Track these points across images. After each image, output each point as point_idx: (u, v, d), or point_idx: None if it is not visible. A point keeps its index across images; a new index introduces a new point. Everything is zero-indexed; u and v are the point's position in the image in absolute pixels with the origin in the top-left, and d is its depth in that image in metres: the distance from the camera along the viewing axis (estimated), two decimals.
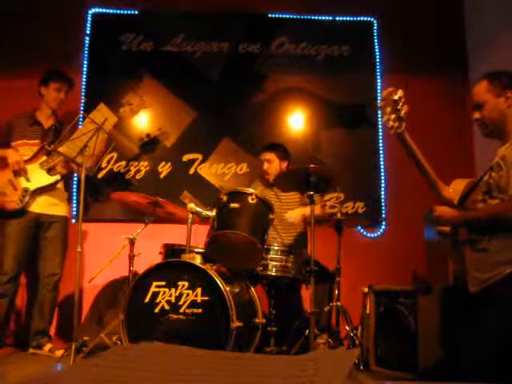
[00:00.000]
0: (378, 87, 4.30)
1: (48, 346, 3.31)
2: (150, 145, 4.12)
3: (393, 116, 2.05)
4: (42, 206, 3.42)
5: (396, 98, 2.04)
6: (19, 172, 3.36)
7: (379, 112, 4.25)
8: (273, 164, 3.55)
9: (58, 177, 3.47)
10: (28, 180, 3.38)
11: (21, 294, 3.65)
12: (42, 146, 3.46)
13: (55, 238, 3.45)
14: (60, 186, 3.54)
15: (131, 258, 3.19)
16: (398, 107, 2.04)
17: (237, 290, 2.86)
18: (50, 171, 3.43)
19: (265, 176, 3.60)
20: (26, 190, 3.35)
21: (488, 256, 2.00)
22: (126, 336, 2.66)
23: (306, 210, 3.28)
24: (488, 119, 2.16)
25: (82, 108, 4.03)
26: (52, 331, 3.53)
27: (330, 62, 4.32)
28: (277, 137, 4.09)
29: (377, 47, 4.37)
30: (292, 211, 3.41)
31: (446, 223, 2.22)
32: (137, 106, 3.75)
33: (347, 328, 3.06)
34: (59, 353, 3.16)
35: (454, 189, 2.30)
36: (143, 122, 4.18)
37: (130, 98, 4.08)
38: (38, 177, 3.41)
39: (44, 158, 3.44)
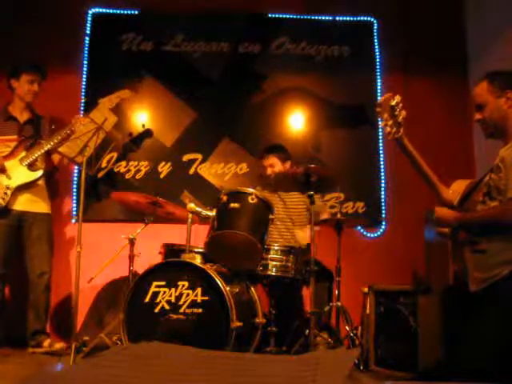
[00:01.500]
0: (378, 87, 4.30)
1: (47, 342, 3.30)
2: (135, 143, 4.10)
3: (390, 122, 2.06)
4: (24, 203, 3.34)
5: (393, 103, 2.04)
6: None
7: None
8: (276, 168, 3.53)
9: (40, 172, 3.38)
10: (8, 177, 3.29)
11: (17, 294, 3.64)
12: (19, 141, 3.37)
13: (40, 237, 3.38)
14: (41, 182, 3.45)
15: (131, 258, 3.19)
16: (396, 113, 2.04)
17: (237, 290, 2.86)
18: (30, 167, 3.34)
19: (269, 181, 3.55)
20: (8, 188, 3.27)
21: (487, 257, 2.01)
22: (126, 336, 2.66)
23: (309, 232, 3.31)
24: (489, 120, 2.16)
25: (82, 108, 4.03)
26: (51, 331, 3.53)
27: (329, 62, 4.32)
28: (277, 137, 4.09)
29: (377, 47, 4.36)
30: (301, 231, 3.40)
31: (446, 225, 2.22)
32: (116, 95, 3.57)
33: (347, 328, 3.06)
34: (58, 345, 3.16)
35: (454, 190, 2.30)
36: (140, 119, 4.17)
37: (131, 128, 4.09)
38: (19, 173, 3.31)
39: (23, 153, 3.35)
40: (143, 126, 4.11)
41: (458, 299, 2.22)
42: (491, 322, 1.98)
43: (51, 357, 3.16)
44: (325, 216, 3.50)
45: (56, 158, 3.56)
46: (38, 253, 3.37)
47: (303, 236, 3.35)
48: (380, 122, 2.11)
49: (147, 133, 4.13)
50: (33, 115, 3.54)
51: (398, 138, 2.10)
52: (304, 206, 3.51)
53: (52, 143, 3.32)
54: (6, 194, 3.26)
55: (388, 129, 2.06)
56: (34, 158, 3.33)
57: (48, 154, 3.47)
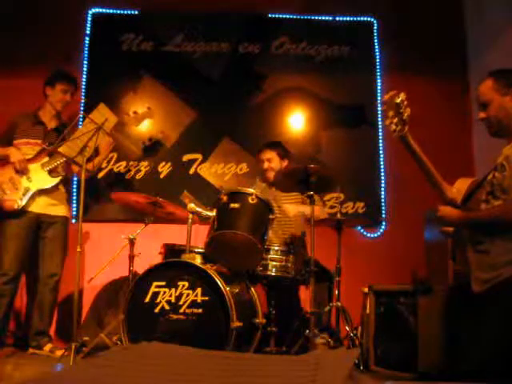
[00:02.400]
0: (378, 87, 4.30)
1: (48, 347, 3.30)
2: (152, 148, 4.12)
3: (395, 119, 2.05)
4: (42, 206, 3.39)
5: (398, 101, 2.04)
6: (21, 171, 3.34)
7: (379, 112, 4.26)
8: (273, 163, 3.52)
9: (59, 179, 3.44)
10: (29, 180, 3.36)
11: (20, 294, 3.65)
12: (43, 146, 3.43)
13: (55, 238, 3.42)
14: (61, 186, 3.52)
15: (131, 258, 3.19)
16: (401, 110, 2.04)
17: (237, 290, 2.86)
18: (51, 173, 3.41)
19: (266, 175, 3.57)
20: (27, 190, 3.33)
21: (490, 257, 2.00)
22: (126, 336, 2.66)
23: (305, 208, 3.29)
24: (494, 118, 2.14)
25: (82, 108, 4.03)
26: (52, 331, 3.52)
27: (329, 62, 4.32)
28: (277, 137, 4.08)
29: (377, 47, 4.37)
30: (290, 206, 3.40)
31: (449, 224, 2.22)
32: (142, 115, 3.76)
33: (347, 328, 3.05)
34: (59, 353, 3.16)
35: (458, 188, 2.30)
36: (145, 124, 4.18)
37: (137, 107, 4.10)
38: (39, 177, 3.38)
39: (46, 158, 3.42)
40: (162, 132, 4.13)
41: (459, 299, 2.22)
42: (494, 323, 1.97)
43: (51, 357, 3.17)
44: (322, 217, 3.50)
45: (75, 167, 3.58)
46: (51, 254, 3.40)
47: (292, 208, 3.34)
48: (384, 120, 2.11)
49: (160, 143, 4.15)
50: (60, 124, 3.59)
51: (403, 135, 2.10)
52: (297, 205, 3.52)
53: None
54: (24, 195, 3.31)
55: (393, 126, 2.06)
56: (55, 164, 3.40)
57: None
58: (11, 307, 3.38)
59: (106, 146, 3.54)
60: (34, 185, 3.36)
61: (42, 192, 3.39)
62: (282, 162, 3.55)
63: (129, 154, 4.13)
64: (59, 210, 3.48)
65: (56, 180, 3.43)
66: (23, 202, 3.31)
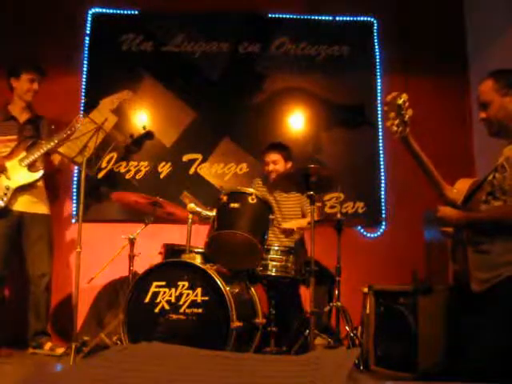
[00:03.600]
0: (378, 87, 4.30)
1: (48, 345, 3.29)
2: (136, 144, 4.10)
3: (397, 120, 2.06)
4: (24, 204, 3.32)
5: (400, 102, 2.04)
6: None
7: (379, 112, 4.26)
8: (278, 165, 3.52)
9: (40, 173, 3.36)
10: (8, 178, 3.27)
11: (17, 295, 3.64)
12: (19, 141, 3.36)
13: (41, 238, 3.37)
14: (40, 183, 3.43)
15: (131, 258, 3.19)
16: (403, 111, 2.04)
17: (237, 290, 2.86)
18: (30, 167, 3.32)
19: (270, 177, 3.56)
20: (7, 188, 3.24)
21: (490, 258, 2.00)
22: (126, 336, 2.66)
23: (302, 222, 3.35)
24: (494, 119, 2.15)
25: (82, 108, 4.03)
26: (51, 332, 3.52)
27: (329, 62, 4.32)
28: (277, 137, 4.09)
29: (377, 47, 4.36)
30: (289, 222, 3.41)
31: (449, 224, 2.22)
32: (117, 97, 3.57)
33: (347, 328, 3.05)
34: (60, 350, 3.15)
35: (458, 189, 2.30)
36: (141, 119, 4.17)
37: (133, 130, 4.12)
38: (19, 174, 3.29)
39: (23, 153, 3.33)
40: (144, 128, 4.11)
41: (459, 299, 2.22)
42: (493, 323, 1.97)
43: (51, 357, 3.16)
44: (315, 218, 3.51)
45: (56, 158, 3.55)
46: (38, 254, 3.36)
47: (292, 224, 3.35)
48: (386, 121, 2.11)
49: (148, 135, 4.13)
50: (32, 115, 3.52)
51: (404, 136, 2.10)
52: (299, 209, 3.52)
53: (52, 144, 3.31)
54: (5, 194, 3.24)
55: (394, 127, 2.06)
56: (33, 158, 3.32)
57: (47, 154, 3.46)
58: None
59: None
60: (14, 182, 3.28)
61: (22, 189, 3.30)
62: (286, 164, 3.55)
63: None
64: (40, 207, 3.41)
65: (37, 174, 3.35)
66: (5, 202, 3.23)
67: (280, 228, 3.35)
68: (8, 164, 3.30)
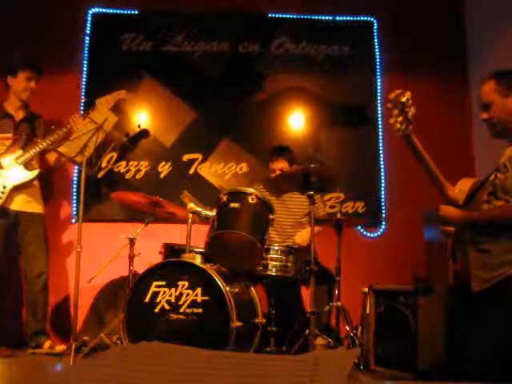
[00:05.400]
0: (378, 87, 4.30)
1: (47, 344, 3.30)
2: (132, 143, 4.10)
3: (400, 118, 2.06)
4: (19, 203, 3.32)
5: (404, 99, 2.04)
6: None
7: (379, 112, 4.26)
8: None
9: (36, 172, 3.36)
10: (4, 176, 3.26)
11: (16, 294, 3.64)
12: (15, 139, 3.35)
13: (37, 237, 3.36)
14: (36, 182, 3.42)
15: (131, 257, 3.19)
16: (406, 109, 2.04)
17: (237, 290, 2.86)
18: (26, 166, 3.32)
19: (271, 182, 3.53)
20: (4, 187, 3.24)
21: (491, 257, 2.00)
22: (126, 336, 2.66)
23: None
24: (496, 119, 2.15)
25: (82, 108, 4.03)
26: (51, 332, 3.52)
27: (329, 61, 4.32)
28: (277, 137, 4.09)
29: (377, 47, 4.36)
30: (300, 234, 3.36)
31: (451, 223, 2.22)
32: (112, 96, 3.56)
33: (347, 328, 3.05)
34: (59, 348, 3.15)
35: (460, 189, 2.30)
36: (141, 119, 4.17)
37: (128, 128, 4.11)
38: (15, 172, 3.29)
39: (19, 152, 3.32)
40: (139, 126, 4.12)
41: (459, 299, 2.22)
42: (494, 322, 1.97)
43: (51, 357, 3.16)
44: (321, 214, 3.49)
45: (51, 157, 3.54)
46: (35, 253, 3.35)
47: (304, 238, 3.30)
48: (389, 119, 2.10)
49: (143, 133, 4.13)
50: (28, 114, 3.51)
51: (407, 134, 2.10)
52: (305, 208, 3.51)
53: (48, 142, 3.31)
54: (2, 193, 3.24)
55: (398, 125, 2.06)
56: (29, 156, 3.31)
57: (42, 153, 3.45)
58: None
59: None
60: (11, 181, 3.27)
61: (18, 188, 3.30)
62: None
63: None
64: (35, 207, 3.41)
65: (33, 173, 3.35)
66: (1, 200, 3.23)
67: (295, 244, 3.30)
68: (4, 162, 3.29)
